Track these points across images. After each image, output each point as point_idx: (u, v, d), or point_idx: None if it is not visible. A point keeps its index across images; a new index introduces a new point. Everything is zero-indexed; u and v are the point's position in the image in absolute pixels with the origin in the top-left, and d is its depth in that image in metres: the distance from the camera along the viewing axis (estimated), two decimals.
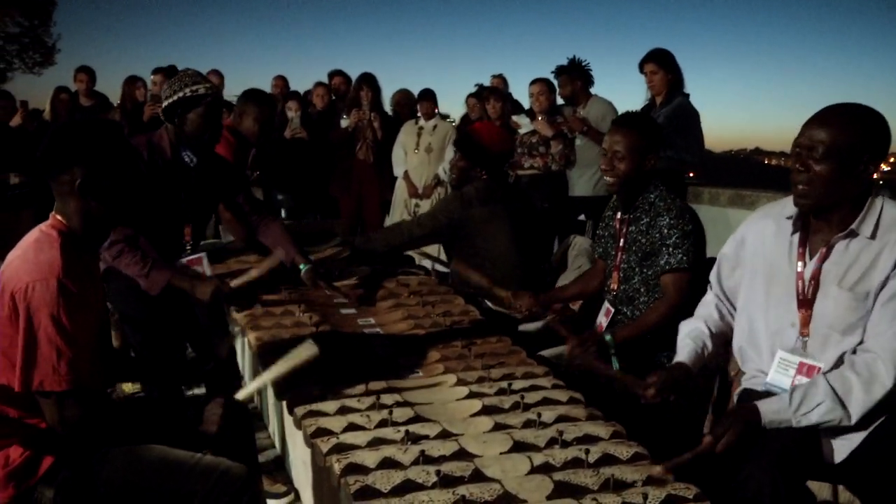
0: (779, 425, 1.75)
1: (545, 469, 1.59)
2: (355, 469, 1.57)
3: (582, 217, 5.47)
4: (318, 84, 6.71)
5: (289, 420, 2.15)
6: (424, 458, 1.60)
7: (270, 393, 2.82)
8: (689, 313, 2.33)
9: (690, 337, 2.12)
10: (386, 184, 6.29)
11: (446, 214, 3.17)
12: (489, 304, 3.13)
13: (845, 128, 1.77)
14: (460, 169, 3.28)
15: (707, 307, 2.20)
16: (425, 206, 6.10)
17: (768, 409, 1.77)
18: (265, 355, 2.30)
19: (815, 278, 1.86)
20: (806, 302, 1.88)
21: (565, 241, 3.58)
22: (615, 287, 2.66)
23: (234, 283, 2.68)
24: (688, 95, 4.51)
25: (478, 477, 1.55)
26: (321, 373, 2.06)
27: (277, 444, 3.04)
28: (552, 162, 5.10)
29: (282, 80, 7.00)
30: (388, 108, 6.54)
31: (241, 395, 1.87)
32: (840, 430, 1.82)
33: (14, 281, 1.56)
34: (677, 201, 2.54)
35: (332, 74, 6.76)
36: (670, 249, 2.45)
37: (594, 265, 2.97)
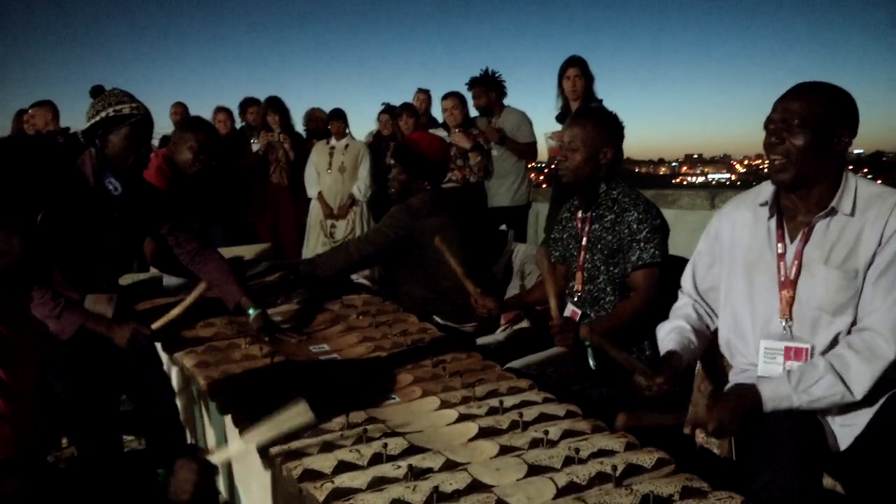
0: (779, 406, 1.65)
1: (573, 489, 1.40)
2: None
3: (503, 227, 5.37)
4: (219, 109, 6.32)
5: (243, 464, 1.87)
6: (439, 496, 1.37)
7: (210, 431, 2.49)
8: (660, 307, 2.22)
9: (675, 332, 2.00)
10: (301, 206, 5.99)
11: (395, 229, 2.94)
12: (438, 319, 2.94)
13: (819, 99, 1.72)
14: (401, 182, 3.07)
15: (683, 308, 2.08)
16: (341, 226, 5.86)
17: (768, 390, 1.67)
18: (219, 396, 2.01)
19: (798, 259, 1.78)
20: (789, 283, 1.79)
21: (506, 249, 3.44)
22: (579, 288, 2.52)
23: (156, 325, 2.33)
24: (601, 101, 4.49)
25: None
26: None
27: (224, 492, 2.70)
28: (470, 174, 4.97)
29: (181, 107, 6.58)
30: (299, 128, 6.26)
31: (217, 458, 1.56)
32: (844, 416, 1.73)
33: None
34: (642, 196, 2.45)
35: (245, 104, 6.27)
36: (642, 244, 2.34)
37: (553, 269, 2.82)
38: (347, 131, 5.93)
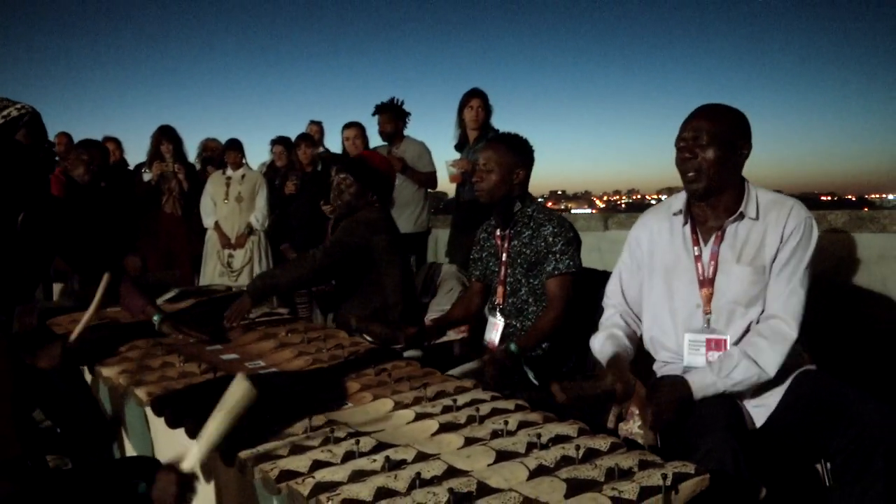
0: (707, 393, 1.83)
1: (544, 471, 1.48)
2: None
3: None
4: (107, 139, 6.06)
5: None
6: (421, 482, 1.42)
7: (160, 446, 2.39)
8: (580, 317, 2.37)
9: (610, 340, 2.12)
10: (195, 236, 5.81)
11: (355, 239, 2.93)
12: (366, 337, 2.96)
13: (723, 118, 1.95)
14: (351, 193, 3.04)
15: (612, 319, 2.21)
16: (239, 255, 5.73)
17: (696, 381, 1.84)
18: (165, 410, 1.95)
19: (715, 258, 1.98)
20: (707, 281, 1.98)
21: (423, 269, 3.51)
22: (501, 301, 2.63)
23: (74, 336, 2.24)
24: (498, 132, 4.69)
25: (487, 490, 1.40)
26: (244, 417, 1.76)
27: None
28: None
29: (65, 137, 6.24)
30: (191, 158, 6.08)
31: (188, 464, 1.52)
32: (758, 398, 1.93)
33: None
34: (555, 212, 2.61)
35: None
36: (557, 256, 2.49)
37: (470, 287, 2.92)
38: (244, 161, 5.84)
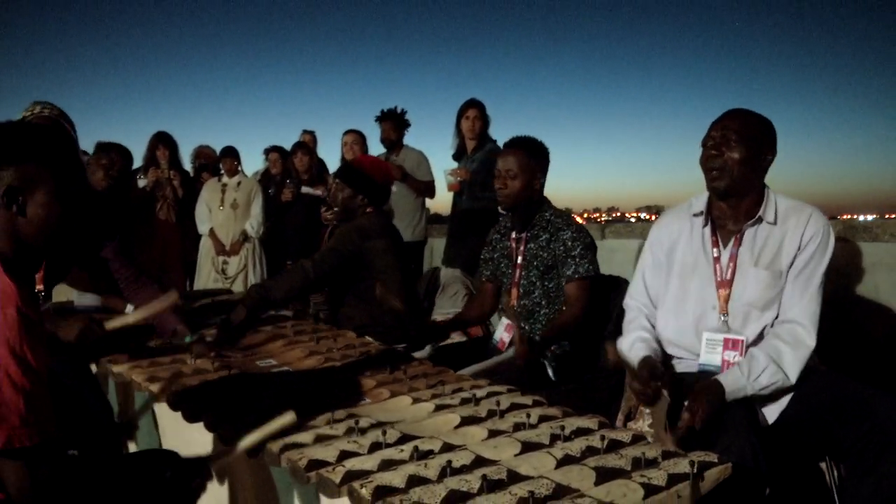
0: (737, 396, 1.85)
1: (571, 461, 1.49)
2: (388, 491, 1.35)
3: None
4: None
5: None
6: (452, 471, 1.42)
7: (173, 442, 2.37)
8: (593, 316, 2.40)
9: (639, 342, 2.12)
10: (189, 243, 5.78)
11: (348, 247, 2.92)
12: (370, 339, 2.96)
13: (752, 121, 1.99)
14: (344, 199, 3.04)
15: (637, 321, 2.21)
16: (234, 262, 5.72)
17: (728, 382, 1.85)
18: (182, 406, 1.93)
19: (733, 261, 2.01)
20: (725, 283, 2.01)
21: (426, 275, 3.53)
22: (514, 303, 2.65)
23: (110, 324, 2.21)
24: (495, 141, 4.73)
25: (518, 477, 1.41)
26: (260, 410, 1.76)
27: None
28: None
29: None
30: (186, 166, 6.06)
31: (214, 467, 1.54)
32: (770, 396, 1.95)
33: None
34: (572, 218, 2.64)
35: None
36: (577, 260, 2.51)
37: (482, 288, 2.94)
38: (239, 168, 5.84)
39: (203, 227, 5.72)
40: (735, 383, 1.85)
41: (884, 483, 1.68)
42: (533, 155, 2.60)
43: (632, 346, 2.13)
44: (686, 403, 1.81)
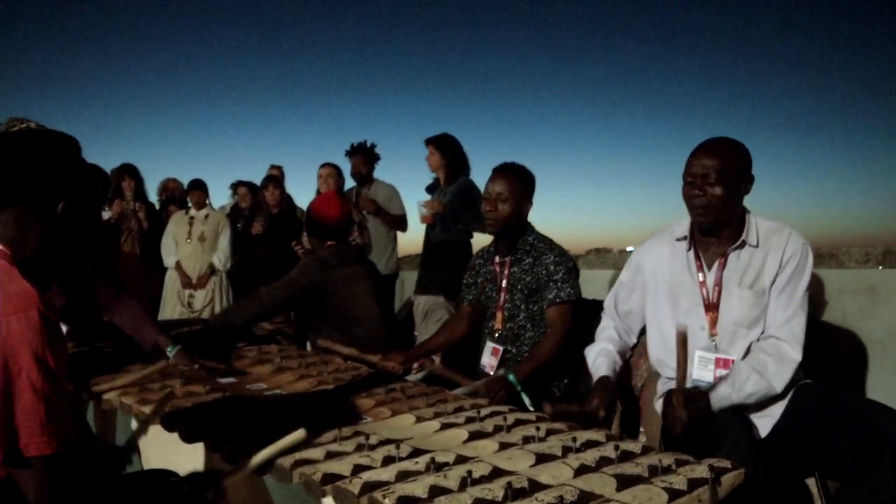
0: (723, 404, 1.90)
1: (587, 470, 1.49)
2: (411, 501, 1.32)
3: None
4: None
5: None
6: (472, 481, 1.41)
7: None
8: (574, 341, 2.42)
9: (602, 355, 2.21)
10: (153, 276, 5.65)
11: (306, 277, 2.93)
12: (357, 363, 2.93)
13: (728, 155, 2.04)
14: (312, 245, 3.13)
15: (607, 331, 2.31)
16: (200, 296, 5.60)
17: (714, 393, 1.90)
18: (180, 427, 1.87)
19: (718, 284, 2.06)
20: (712, 306, 2.06)
21: (406, 302, 3.51)
22: (499, 327, 2.65)
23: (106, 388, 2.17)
24: (468, 175, 4.77)
25: (539, 486, 1.40)
26: (266, 429, 1.71)
27: None
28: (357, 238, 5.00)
29: None
30: (152, 198, 5.97)
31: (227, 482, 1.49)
32: (762, 410, 2.00)
33: None
34: (554, 242, 2.66)
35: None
36: (559, 284, 2.53)
37: (460, 310, 2.94)
38: (208, 202, 5.76)
39: (169, 260, 5.60)
40: (720, 393, 1.91)
41: (880, 488, 1.72)
42: (522, 180, 2.64)
43: (595, 358, 2.23)
44: (669, 410, 1.87)
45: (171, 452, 2.01)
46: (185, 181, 5.98)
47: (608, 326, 2.32)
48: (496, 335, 2.66)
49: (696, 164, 2.05)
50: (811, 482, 2.17)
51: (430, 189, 4.82)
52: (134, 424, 2.37)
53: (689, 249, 2.15)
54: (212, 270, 5.60)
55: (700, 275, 2.11)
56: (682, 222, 2.19)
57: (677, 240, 2.18)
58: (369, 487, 1.39)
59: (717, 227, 2.08)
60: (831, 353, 3.25)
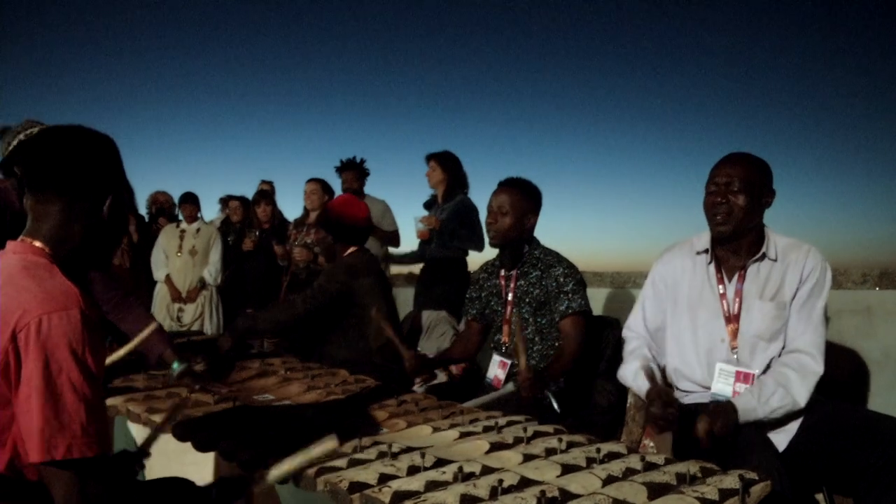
0: (748, 417, 1.89)
1: (615, 480, 1.48)
2: None
3: None
4: None
5: None
6: (503, 490, 1.39)
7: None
8: (586, 353, 2.42)
9: (643, 371, 2.10)
10: (143, 289, 5.57)
11: (336, 285, 2.90)
12: (364, 376, 2.90)
13: (752, 166, 2.07)
14: (325, 244, 3.08)
15: (639, 350, 2.26)
16: (189, 310, 5.54)
17: (740, 404, 1.89)
18: (192, 437, 1.83)
19: (739, 296, 2.07)
20: (733, 317, 2.07)
21: (408, 316, 3.49)
22: (506, 340, 2.64)
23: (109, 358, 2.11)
24: (466, 193, 4.77)
25: (570, 495, 1.38)
26: (281, 440, 1.68)
27: None
28: None
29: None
30: (142, 211, 5.91)
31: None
32: (780, 425, 2.00)
33: (13, 316, 1.07)
34: (561, 255, 2.66)
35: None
36: (570, 295, 2.53)
37: (468, 327, 2.92)
38: (199, 215, 5.72)
39: (159, 274, 5.53)
40: (747, 404, 1.89)
41: None
42: (525, 195, 2.65)
43: (636, 374, 2.16)
44: (699, 419, 1.83)
45: (172, 461, 1.97)
46: (174, 194, 5.94)
47: (640, 346, 2.26)
48: (503, 348, 2.65)
49: (721, 173, 2.08)
50: (819, 497, 2.18)
51: (428, 205, 4.82)
52: (133, 429, 2.33)
53: (710, 262, 2.16)
54: (202, 284, 5.54)
55: (721, 287, 2.12)
56: (702, 236, 2.20)
57: (697, 253, 2.20)
58: (400, 497, 1.37)
59: (736, 238, 2.09)
60: (830, 372, 3.27)
